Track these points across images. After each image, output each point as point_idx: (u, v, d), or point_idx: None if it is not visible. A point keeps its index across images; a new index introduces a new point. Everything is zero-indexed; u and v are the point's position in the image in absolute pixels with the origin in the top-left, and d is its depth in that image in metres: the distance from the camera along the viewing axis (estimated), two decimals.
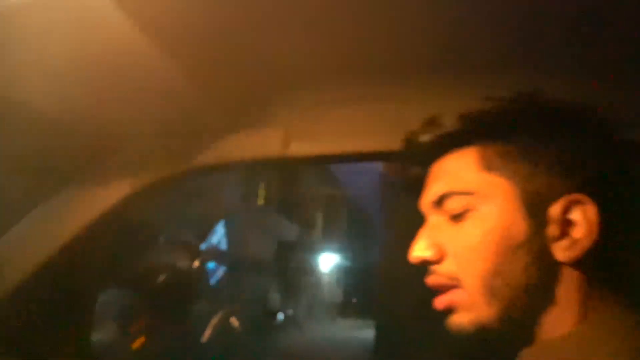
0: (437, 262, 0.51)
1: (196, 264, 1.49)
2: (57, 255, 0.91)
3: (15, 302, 0.88)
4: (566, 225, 0.47)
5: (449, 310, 0.51)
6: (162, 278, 1.37)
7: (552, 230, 0.47)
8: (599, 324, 0.46)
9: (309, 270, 6.75)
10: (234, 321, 1.51)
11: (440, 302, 0.51)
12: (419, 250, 0.52)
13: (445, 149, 0.54)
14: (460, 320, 0.50)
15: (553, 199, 0.48)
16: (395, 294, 1.56)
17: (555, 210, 0.47)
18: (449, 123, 0.52)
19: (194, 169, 0.94)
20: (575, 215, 0.47)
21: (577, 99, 0.50)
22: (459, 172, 0.52)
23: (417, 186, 0.56)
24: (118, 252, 1.16)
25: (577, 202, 0.47)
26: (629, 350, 0.43)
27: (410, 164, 0.59)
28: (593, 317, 0.47)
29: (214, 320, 1.43)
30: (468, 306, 0.49)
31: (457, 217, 0.51)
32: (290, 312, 6.03)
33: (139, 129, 0.92)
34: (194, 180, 1.03)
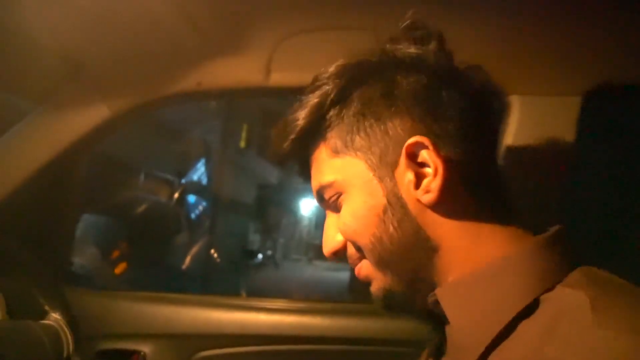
0: (345, 248, 0.55)
1: (176, 196, 1.51)
2: (35, 177, 0.92)
3: None
4: (419, 169, 0.49)
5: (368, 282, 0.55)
6: (142, 208, 1.39)
7: (408, 179, 0.49)
8: (506, 260, 0.47)
9: (288, 213, 6.87)
10: (213, 252, 1.56)
11: (357, 274, 0.55)
12: (328, 244, 0.56)
13: (306, 147, 0.56)
14: (374, 289, 0.54)
15: (396, 153, 0.49)
16: None
17: (402, 160, 0.49)
18: (297, 123, 0.53)
19: (172, 95, 0.94)
20: (421, 156, 0.48)
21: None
22: (318, 166, 0.55)
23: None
24: (99, 179, 1.17)
25: (416, 145, 0.48)
26: (534, 281, 0.45)
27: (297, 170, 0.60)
28: (485, 252, 0.48)
29: (194, 250, 1.47)
30: (373, 275, 0.53)
31: (335, 206, 0.54)
32: (268, 252, 6.20)
33: (118, 53, 0.90)
34: (173, 107, 1.02)
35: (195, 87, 0.92)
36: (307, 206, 7.04)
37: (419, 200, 0.49)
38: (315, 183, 0.55)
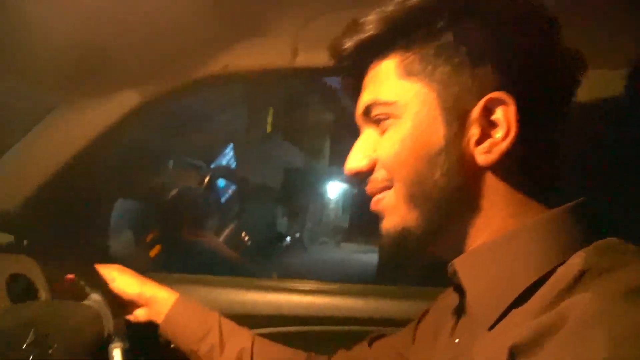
0: (371, 171, 0.51)
1: (206, 180, 1.54)
2: (70, 165, 0.94)
3: (31, 212, 0.92)
4: (487, 126, 0.46)
5: (381, 217, 0.51)
6: (173, 193, 1.41)
7: (473, 132, 0.46)
8: (523, 231, 0.45)
9: (315, 197, 6.88)
10: (245, 235, 1.60)
11: (373, 203, 0.52)
12: (352, 162, 0.52)
13: (368, 55, 0.52)
14: (387, 224, 0.50)
15: (473, 101, 0.46)
16: None
17: (476, 111, 0.46)
18: (370, 27, 0.49)
19: (199, 80, 0.94)
20: (496, 115, 0.46)
21: None
22: (381, 81, 0.50)
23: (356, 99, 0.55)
24: (130, 166, 1.19)
25: (497, 101, 0.45)
26: (549, 252, 0.43)
27: (344, 75, 0.57)
28: (517, 224, 0.46)
29: (226, 232, 1.51)
30: (394, 210, 0.50)
31: (382, 127, 0.50)
32: (296, 235, 6.25)
33: (143, 40, 0.90)
34: (199, 92, 1.03)
35: (222, 71, 0.91)
36: (333, 190, 7.04)
37: (474, 158, 0.46)
38: (369, 96, 0.51)
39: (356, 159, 0.52)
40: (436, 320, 0.63)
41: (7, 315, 0.64)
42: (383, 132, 0.51)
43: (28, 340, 0.62)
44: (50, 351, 0.64)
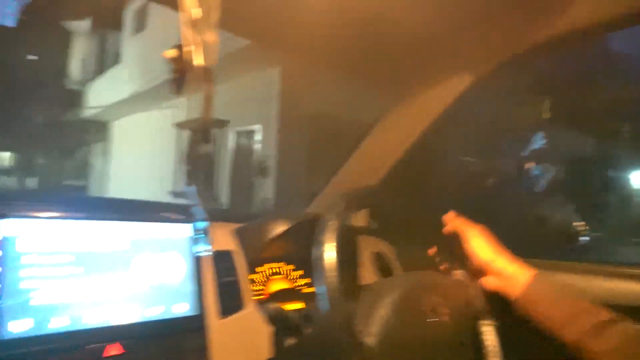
0: None
1: (526, 166, 1.46)
2: (413, 147, 1.01)
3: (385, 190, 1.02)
4: None
5: None
6: (490, 180, 1.38)
7: None
8: None
9: (614, 189, 5.79)
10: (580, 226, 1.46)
11: None
12: None
13: None
14: None
15: None
16: None
17: None
18: None
19: (539, 44, 0.87)
20: None
21: None
22: None
23: None
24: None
25: None
26: None
27: None
28: None
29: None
30: None
31: None
32: (595, 234, 5.36)
33: (471, 13, 0.88)
34: (536, 57, 0.95)
35: (570, 28, 0.82)
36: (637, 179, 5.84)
37: None
38: None
39: None
40: None
41: (404, 280, 0.71)
42: None
43: (430, 305, 0.66)
44: (444, 318, 0.67)
